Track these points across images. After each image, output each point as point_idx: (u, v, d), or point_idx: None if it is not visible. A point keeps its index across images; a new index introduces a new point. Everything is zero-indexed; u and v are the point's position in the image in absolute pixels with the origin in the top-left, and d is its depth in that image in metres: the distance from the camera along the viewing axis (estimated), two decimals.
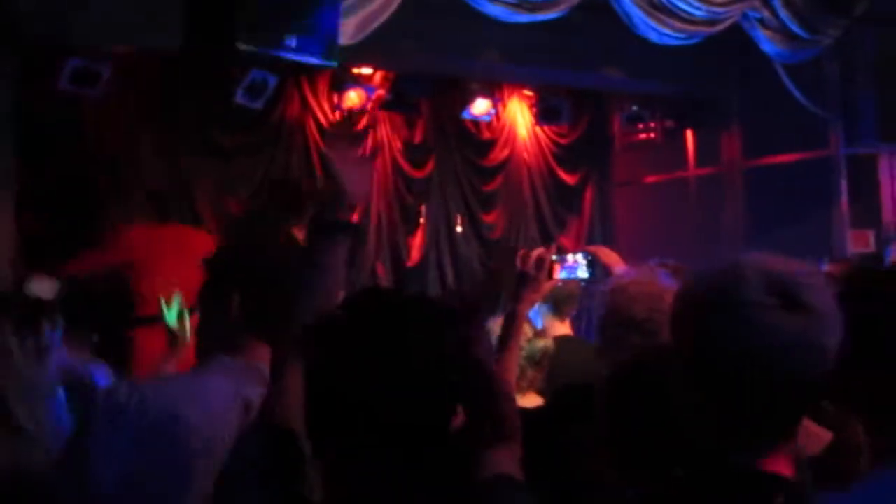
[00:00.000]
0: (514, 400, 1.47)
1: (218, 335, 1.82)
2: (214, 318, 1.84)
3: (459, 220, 6.83)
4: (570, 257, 2.45)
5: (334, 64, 4.06)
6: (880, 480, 1.25)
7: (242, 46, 3.20)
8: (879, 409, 1.38)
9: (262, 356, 1.76)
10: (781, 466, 1.20)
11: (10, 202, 4.60)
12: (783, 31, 5.72)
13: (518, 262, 2.39)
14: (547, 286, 2.40)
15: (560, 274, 2.41)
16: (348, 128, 5.93)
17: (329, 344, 1.29)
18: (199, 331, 1.91)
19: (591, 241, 7.85)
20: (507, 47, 5.86)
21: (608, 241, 7.90)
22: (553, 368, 2.81)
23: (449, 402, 1.31)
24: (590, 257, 2.49)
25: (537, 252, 2.35)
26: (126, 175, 5.81)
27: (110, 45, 5.51)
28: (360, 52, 4.55)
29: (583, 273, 2.45)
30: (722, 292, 1.18)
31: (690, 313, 1.23)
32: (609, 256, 2.60)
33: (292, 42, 3.27)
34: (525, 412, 2.13)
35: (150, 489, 1.64)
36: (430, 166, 7.07)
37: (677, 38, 5.36)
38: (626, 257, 8.08)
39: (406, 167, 6.99)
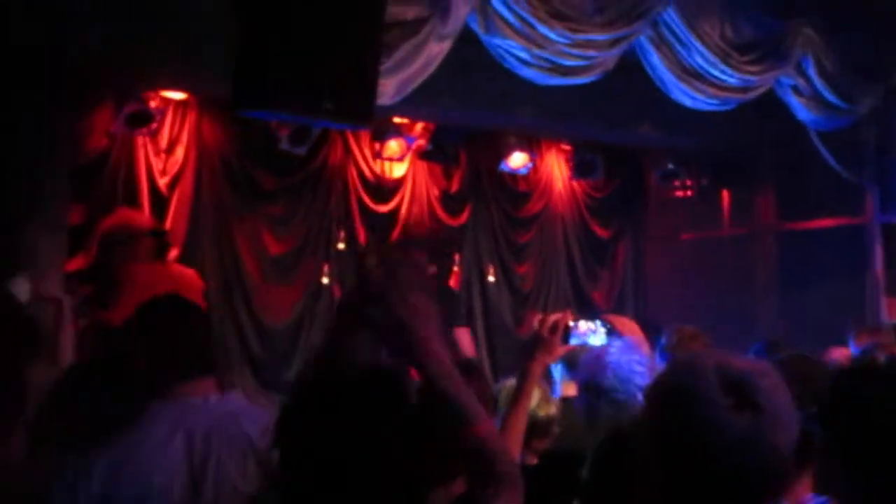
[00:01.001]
0: (507, 452, 1.46)
1: (150, 384, 2.02)
2: (146, 371, 2.03)
3: (491, 271, 6.93)
4: (582, 325, 2.54)
5: (366, 128, 4.22)
6: None
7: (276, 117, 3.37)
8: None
9: (202, 389, 1.98)
10: None
11: (65, 244, 4.79)
12: (818, 99, 5.77)
13: (535, 325, 2.51)
14: (560, 350, 2.51)
15: (572, 341, 2.50)
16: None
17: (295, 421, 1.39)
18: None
19: (622, 295, 7.89)
20: (542, 105, 6.01)
21: (639, 296, 7.94)
22: (562, 429, 2.88)
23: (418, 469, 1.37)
24: (608, 326, 2.57)
25: (553, 317, 2.46)
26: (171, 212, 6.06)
27: (163, 89, 5.80)
28: (399, 105, 4.72)
29: (596, 341, 2.53)
30: (681, 387, 1.28)
31: (655, 403, 1.33)
32: (625, 326, 2.65)
33: (329, 105, 3.43)
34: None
35: None
36: (465, 215, 7.21)
37: (710, 104, 5.44)
38: (656, 312, 8.00)
39: (442, 215, 7.13)
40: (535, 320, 2.49)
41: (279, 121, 5.40)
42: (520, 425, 2.40)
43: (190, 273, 4.93)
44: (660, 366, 3.42)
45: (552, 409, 2.85)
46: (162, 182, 6.05)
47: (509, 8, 4.47)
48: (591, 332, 2.53)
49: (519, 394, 2.39)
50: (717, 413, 1.22)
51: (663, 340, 3.62)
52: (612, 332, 2.55)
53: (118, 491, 1.85)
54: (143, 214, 5.24)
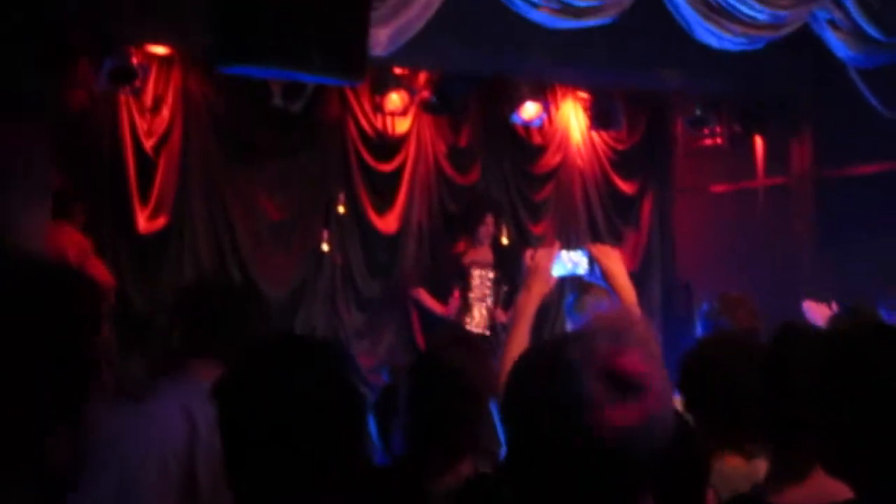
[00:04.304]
0: None
1: (164, 359, 2.23)
2: (162, 346, 2.22)
3: (505, 231, 6.91)
4: (565, 255, 2.60)
5: (359, 82, 4.19)
6: None
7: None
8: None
9: (205, 374, 2.09)
10: None
11: (49, 209, 4.85)
12: (857, 34, 5.64)
13: (527, 260, 2.60)
14: (553, 280, 2.58)
15: (555, 270, 2.56)
16: None
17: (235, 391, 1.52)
18: (151, 355, 2.27)
19: (649, 254, 7.85)
20: (556, 47, 5.89)
21: (667, 254, 7.89)
22: None
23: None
24: (589, 255, 2.61)
25: (543, 250, 2.60)
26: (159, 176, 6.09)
27: (146, 44, 5.79)
28: (398, 54, 4.66)
29: (581, 271, 2.59)
30: (558, 395, 1.16)
31: (528, 412, 1.20)
32: (609, 257, 2.64)
33: (318, 58, 3.40)
34: None
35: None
36: (475, 172, 7.17)
37: (738, 44, 5.33)
38: (686, 272, 7.90)
39: (450, 173, 7.10)
40: (527, 255, 2.60)
41: (265, 77, 5.36)
42: (518, 347, 2.47)
43: None
44: (701, 334, 3.39)
45: None
46: (148, 143, 6.06)
47: None
48: (574, 263, 2.60)
49: (516, 317, 2.50)
50: (614, 413, 1.13)
51: (705, 307, 3.52)
52: (592, 261, 2.60)
53: (128, 452, 2.08)
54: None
